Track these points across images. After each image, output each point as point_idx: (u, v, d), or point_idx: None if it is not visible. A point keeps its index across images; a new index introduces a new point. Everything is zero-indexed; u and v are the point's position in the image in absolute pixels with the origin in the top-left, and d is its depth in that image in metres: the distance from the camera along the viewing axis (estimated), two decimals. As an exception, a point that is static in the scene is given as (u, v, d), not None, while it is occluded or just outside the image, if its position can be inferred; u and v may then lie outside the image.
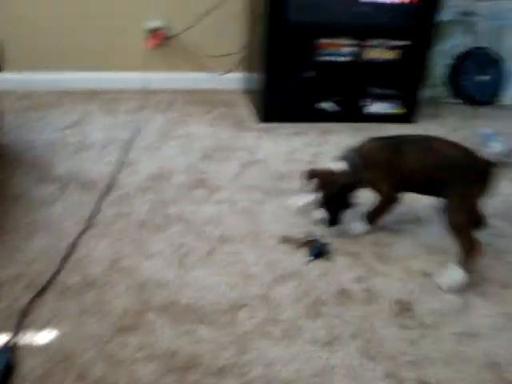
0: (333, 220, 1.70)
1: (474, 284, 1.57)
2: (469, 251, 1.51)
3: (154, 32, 2.91)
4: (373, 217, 1.74)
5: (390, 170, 1.63)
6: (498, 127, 2.83)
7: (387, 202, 1.71)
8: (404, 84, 2.85)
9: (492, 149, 2.51)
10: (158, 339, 1.28)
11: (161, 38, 2.90)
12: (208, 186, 2.02)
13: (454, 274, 1.52)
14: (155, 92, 2.99)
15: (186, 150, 2.31)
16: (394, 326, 1.39)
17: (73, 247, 1.60)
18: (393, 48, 2.70)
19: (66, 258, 1.54)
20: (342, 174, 1.65)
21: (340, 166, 1.67)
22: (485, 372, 1.27)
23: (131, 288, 1.45)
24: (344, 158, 1.69)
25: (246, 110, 2.84)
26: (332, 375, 1.22)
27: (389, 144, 1.68)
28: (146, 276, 1.50)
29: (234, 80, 3.13)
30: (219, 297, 1.43)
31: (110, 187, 1.96)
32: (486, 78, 3.24)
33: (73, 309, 1.36)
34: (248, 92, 2.98)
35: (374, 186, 1.69)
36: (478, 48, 3.25)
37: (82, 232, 1.68)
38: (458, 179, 1.53)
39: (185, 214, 1.81)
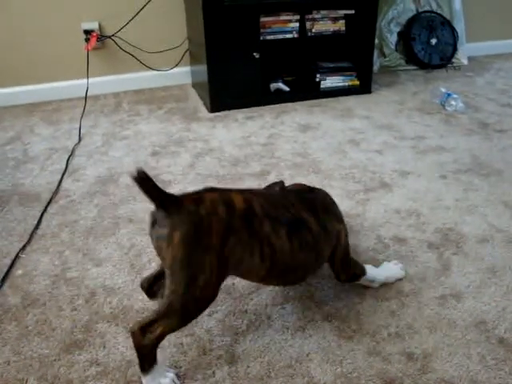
0: None
1: (450, 243, 1.47)
2: None
3: (88, 35, 2.75)
4: None
5: None
6: (454, 88, 2.78)
7: None
8: (355, 55, 2.77)
9: (453, 107, 2.44)
10: (110, 352, 1.14)
11: (95, 41, 2.73)
12: (160, 181, 1.87)
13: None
14: (99, 97, 2.85)
15: (135, 149, 2.16)
16: (370, 299, 1.27)
17: (11, 266, 1.43)
18: (337, 19, 2.61)
19: (3, 279, 1.38)
20: None
21: None
22: (472, 333, 1.16)
23: (78, 300, 1.29)
24: None
25: (196, 103, 2.71)
26: (307, 363, 1.09)
27: None
28: (94, 285, 1.34)
29: (182, 74, 3.00)
30: (176, 295, 1.29)
31: (54, 197, 1.81)
32: (436, 41, 3.19)
33: (11, 333, 1.20)
34: (197, 84, 2.85)
35: None
36: (425, 12, 3.19)
37: (23, 248, 1.52)
38: None
39: (136, 214, 1.67)
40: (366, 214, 1.64)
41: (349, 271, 1.24)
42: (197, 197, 0.96)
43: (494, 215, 1.60)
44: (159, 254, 0.97)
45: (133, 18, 2.75)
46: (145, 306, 1.26)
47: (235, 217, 0.96)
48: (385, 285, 1.31)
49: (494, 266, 1.38)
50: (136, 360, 1.03)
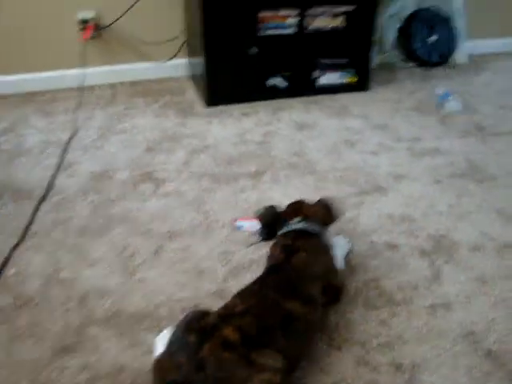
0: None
1: (442, 250, 1.48)
2: None
3: (84, 24, 2.71)
4: None
5: None
6: (452, 87, 2.77)
7: None
8: (353, 51, 2.74)
9: (450, 108, 2.44)
10: (102, 356, 1.14)
11: (92, 30, 2.69)
12: (154, 179, 1.87)
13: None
14: (95, 88, 2.81)
15: (130, 145, 2.15)
16: (361, 308, 1.28)
17: (3, 265, 1.43)
18: (337, 15, 2.58)
19: (-4, 278, 1.38)
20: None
21: None
22: (460, 344, 1.18)
23: (71, 302, 1.30)
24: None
25: (193, 97, 2.68)
26: (297, 372, 1.10)
27: None
28: (87, 287, 1.35)
29: (178, 67, 2.96)
30: (169, 299, 1.30)
31: (47, 193, 1.80)
32: (436, 38, 3.16)
33: (3, 335, 1.20)
34: (194, 77, 2.83)
35: None
36: (425, 9, 3.16)
37: (15, 246, 1.51)
38: None
39: (129, 213, 1.67)
40: (360, 218, 1.64)
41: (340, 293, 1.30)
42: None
43: (486, 223, 1.61)
44: None
45: (130, 8, 2.71)
46: (137, 309, 1.27)
47: (238, 348, 0.94)
48: (376, 294, 1.32)
49: (484, 275, 1.39)
50: (127, 365, 1.03)
